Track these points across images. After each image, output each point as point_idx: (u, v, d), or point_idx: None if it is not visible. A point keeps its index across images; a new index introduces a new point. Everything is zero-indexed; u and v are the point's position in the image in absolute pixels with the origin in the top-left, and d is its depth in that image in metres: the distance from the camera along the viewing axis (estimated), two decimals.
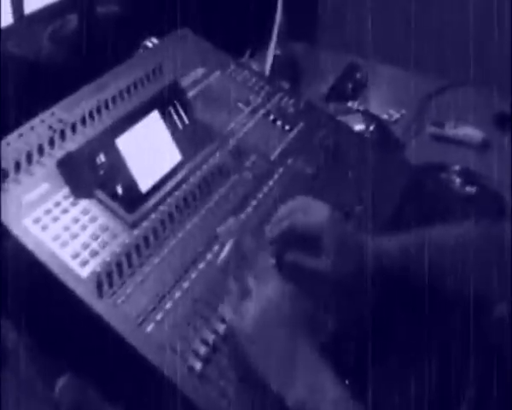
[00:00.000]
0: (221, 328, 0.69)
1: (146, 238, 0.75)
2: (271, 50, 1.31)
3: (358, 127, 1.14)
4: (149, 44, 1.08)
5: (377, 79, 1.35)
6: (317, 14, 1.59)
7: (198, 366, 0.65)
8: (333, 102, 1.26)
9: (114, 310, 0.67)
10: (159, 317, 0.68)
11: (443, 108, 1.26)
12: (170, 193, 0.81)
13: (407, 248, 0.76)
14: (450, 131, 1.19)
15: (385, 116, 1.23)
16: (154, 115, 0.89)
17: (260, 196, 0.87)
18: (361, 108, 1.24)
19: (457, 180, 1.03)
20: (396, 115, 1.24)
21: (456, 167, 1.06)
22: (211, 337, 0.68)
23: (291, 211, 0.80)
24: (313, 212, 0.79)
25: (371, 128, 1.13)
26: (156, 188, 0.82)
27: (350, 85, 1.30)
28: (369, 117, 1.18)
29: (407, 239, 0.78)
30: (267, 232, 0.79)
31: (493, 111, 1.24)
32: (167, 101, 0.92)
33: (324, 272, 0.75)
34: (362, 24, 1.36)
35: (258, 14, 1.35)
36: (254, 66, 1.28)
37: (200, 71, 1.03)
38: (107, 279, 0.69)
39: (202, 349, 0.67)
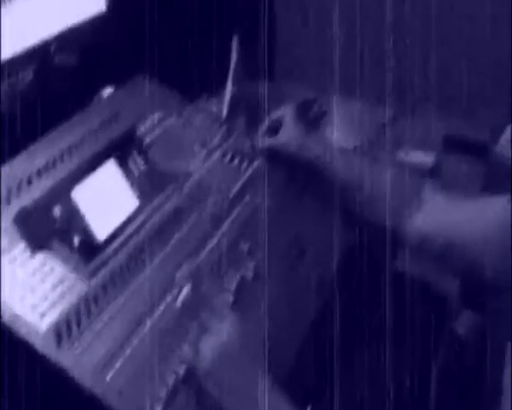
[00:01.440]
0: (181, 369, 0.70)
1: (104, 287, 0.76)
2: (228, 90, 1.34)
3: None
4: (105, 94, 1.10)
5: (335, 112, 1.39)
6: (274, 51, 1.64)
7: (158, 409, 0.66)
8: None
9: (74, 360, 0.68)
10: (118, 364, 0.69)
11: (396, 135, 1.30)
12: (127, 240, 0.83)
13: None
14: (403, 157, 1.23)
15: (340, 148, 1.26)
16: (110, 164, 0.91)
17: (219, 234, 0.89)
18: (319, 140, 1.27)
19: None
20: (350, 146, 1.28)
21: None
22: (171, 379, 0.69)
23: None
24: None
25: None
26: (113, 236, 0.83)
27: (307, 119, 1.33)
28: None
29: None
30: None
31: (442, 135, 1.28)
32: (123, 148, 0.94)
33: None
34: (317, 59, 1.41)
35: (214, 55, 1.39)
36: (212, 107, 1.31)
37: (156, 116, 1.05)
38: (66, 330, 0.70)
39: (163, 392, 0.67)
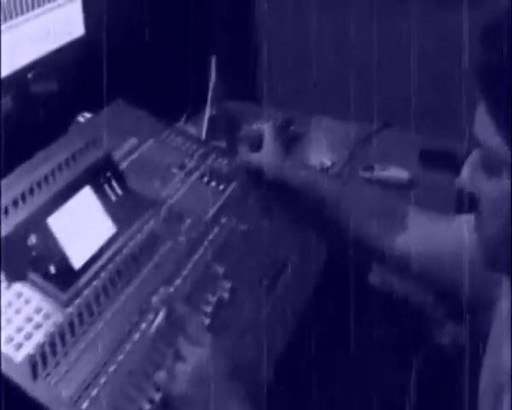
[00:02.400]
0: (156, 396, 0.70)
1: (80, 315, 0.76)
2: (207, 112, 1.36)
3: None
4: (82, 119, 1.11)
5: (312, 131, 1.40)
6: (252, 71, 1.66)
7: None
8: None
9: (49, 391, 0.68)
10: (94, 393, 0.69)
11: (372, 152, 1.32)
12: (103, 267, 0.83)
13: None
14: (379, 173, 1.25)
15: (318, 165, 1.28)
16: (87, 190, 0.92)
17: (195, 257, 0.90)
18: (296, 160, 1.28)
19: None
20: (328, 163, 1.29)
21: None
22: (146, 407, 0.69)
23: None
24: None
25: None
26: (90, 263, 0.84)
27: (285, 139, 1.35)
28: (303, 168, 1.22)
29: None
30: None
31: (418, 150, 1.31)
32: (100, 174, 0.94)
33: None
34: (294, 79, 1.43)
35: (192, 77, 1.40)
36: (191, 129, 1.32)
37: (133, 141, 1.06)
38: (41, 361, 0.70)
39: None
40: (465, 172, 0.64)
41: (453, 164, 1.32)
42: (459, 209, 1.13)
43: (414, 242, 0.87)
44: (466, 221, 0.81)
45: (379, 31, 1.52)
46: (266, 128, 1.03)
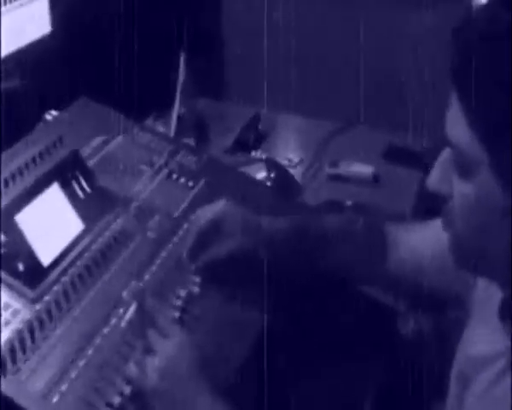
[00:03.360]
0: (127, 389, 0.71)
1: (48, 311, 0.76)
2: (176, 110, 1.36)
3: (260, 175, 1.20)
4: (49, 117, 1.10)
5: (279, 128, 1.42)
6: (220, 69, 1.67)
7: None
8: (237, 153, 1.33)
9: (19, 386, 0.68)
10: (64, 387, 0.70)
11: (338, 149, 1.35)
12: (72, 263, 0.84)
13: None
14: (344, 169, 1.27)
15: (285, 162, 1.30)
16: (54, 188, 0.92)
17: (164, 253, 0.90)
18: (263, 156, 1.31)
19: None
20: (295, 160, 1.32)
21: (349, 203, 1.13)
22: (116, 400, 0.70)
23: (193, 223, 0.90)
24: (211, 208, 0.90)
25: (272, 175, 1.20)
26: (58, 260, 0.84)
27: (253, 136, 1.37)
28: (270, 164, 1.24)
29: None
30: (184, 256, 0.88)
31: (383, 146, 1.34)
32: (67, 172, 0.94)
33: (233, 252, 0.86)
34: (263, 76, 1.44)
35: (161, 75, 1.41)
36: (160, 127, 1.33)
37: (101, 138, 1.06)
38: (10, 357, 0.70)
39: None
40: (435, 171, 0.64)
41: (417, 160, 1.37)
42: (420, 208, 1.16)
43: (404, 258, 0.87)
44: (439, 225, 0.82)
45: (347, 29, 1.54)
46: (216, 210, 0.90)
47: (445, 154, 0.62)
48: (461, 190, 0.60)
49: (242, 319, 0.84)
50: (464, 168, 0.59)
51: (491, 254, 0.61)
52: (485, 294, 0.71)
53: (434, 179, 0.63)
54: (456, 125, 0.58)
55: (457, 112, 0.58)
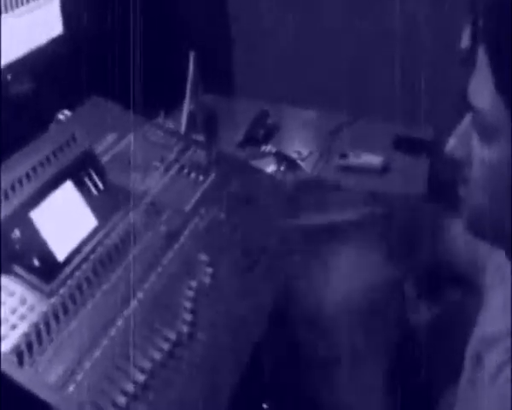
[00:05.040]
0: (141, 378, 0.72)
1: (63, 305, 0.78)
2: (186, 107, 1.38)
3: (271, 169, 1.22)
4: (62, 117, 1.12)
5: (288, 122, 1.44)
6: (230, 65, 1.68)
7: None
8: (247, 147, 1.34)
9: (36, 377, 0.71)
10: (79, 377, 0.72)
11: (347, 140, 1.35)
12: (86, 258, 0.86)
13: None
14: (354, 160, 1.28)
15: (295, 155, 1.31)
16: (68, 185, 0.94)
17: (176, 247, 0.92)
18: (273, 150, 1.32)
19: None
20: (305, 153, 1.33)
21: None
22: (131, 389, 0.71)
23: None
24: None
25: (282, 168, 1.21)
26: (73, 255, 0.86)
27: (262, 130, 1.38)
28: (280, 158, 1.26)
29: None
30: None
31: (391, 137, 1.34)
32: (81, 169, 0.96)
33: None
34: (272, 71, 1.46)
35: (171, 72, 1.42)
36: (170, 124, 1.35)
37: (113, 136, 1.08)
38: (27, 349, 0.72)
39: (122, 400, 0.70)
40: (454, 138, 0.63)
41: (425, 149, 1.37)
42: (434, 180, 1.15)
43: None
44: None
45: (354, 22, 1.55)
46: None
47: (468, 119, 0.62)
48: (482, 155, 0.60)
49: (252, 310, 0.86)
50: (487, 133, 0.59)
51: (508, 223, 0.60)
52: (498, 273, 0.71)
53: (453, 145, 0.63)
54: (482, 90, 0.58)
55: (484, 76, 0.58)
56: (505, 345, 0.63)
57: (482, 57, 0.59)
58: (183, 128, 1.36)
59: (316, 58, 1.55)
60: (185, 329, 0.79)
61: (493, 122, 0.58)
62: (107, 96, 1.18)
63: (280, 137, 1.40)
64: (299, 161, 1.31)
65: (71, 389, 0.70)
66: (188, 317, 0.80)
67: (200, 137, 1.37)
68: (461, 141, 0.63)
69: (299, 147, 1.36)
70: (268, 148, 1.34)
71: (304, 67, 1.50)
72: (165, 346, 0.77)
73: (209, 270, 0.88)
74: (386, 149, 1.33)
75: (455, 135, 0.64)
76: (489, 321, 0.70)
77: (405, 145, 1.34)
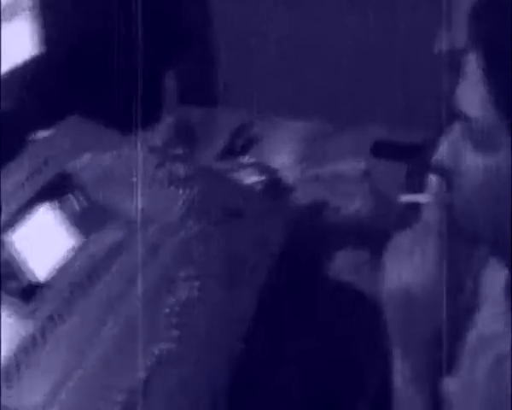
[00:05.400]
0: (121, 397, 0.73)
1: (42, 326, 0.78)
2: (165, 120, 1.38)
3: (251, 180, 1.22)
4: (39, 137, 1.12)
5: (269, 132, 1.44)
6: (210, 75, 1.69)
7: None
8: (227, 159, 1.35)
9: (13, 401, 0.70)
10: (62, 397, 0.72)
11: (328, 149, 1.37)
12: (65, 278, 0.86)
13: None
14: (334, 168, 1.29)
15: (275, 165, 1.32)
16: (45, 206, 0.94)
17: (158, 262, 0.92)
18: (254, 161, 1.33)
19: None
20: (285, 163, 1.34)
21: (338, 204, 1.15)
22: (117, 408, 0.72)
23: None
24: None
25: (261, 179, 1.22)
26: (52, 276, 0.86)
27: (242, 141, 1.39)
28: (261, 169, 1.27)
29: None
30: None
31: (372, 142, 1.36)
32: (58, 189, 0.97)
33: None
34: (252, 81, 1.47)
35: (148, 85, 1.42)
36: (148, 138, 1.34)
37: (89, 155, 1.08)
38: (4, 374, 0.72)
39: None
40: (442, 147, 0.62)
41: (406, 154, 1.38)
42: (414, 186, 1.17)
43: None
44: None
45: (335, 29, 1.56)
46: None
47: (458, 127, 0.61)
48: (477, 163, 0.58)
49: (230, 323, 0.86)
50: (481, 141, 0.58)
51: (501, 231, 0.60)
52: (493, 273, 0.70)
53: (442, 154, 0.62)
54: (473, 97, 0.57)
55: (474, 83, 0.57)
56: (498, 347, 0.63)
57: (471, 64, 0.57)
58: (161, 141, 1.36)
59: (298, 67, 1.57)
60: (168, 345, 0.80)
61: (487, 130, 0.57)
62: (85, 114, 1.18)
63: (260, 148, 1.41)
64: (279, 171, 1.32)
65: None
66: (171, 333, 0.81)
67: (179, 150, 1.38)
68: (450, 149, 0.61)
69: (280, 157, 1.37)
70: (247, 159, 1.35)
71: (286, 78, 1.51)
72: (149, 363, 0.77)
73: (190, 284, 0.88)
74: (367, 156, 1.35)
75: (444, 143, 0.62)
76: (486, 319, 0.69)
77: (386, 151, 1.35)
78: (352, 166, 1.29)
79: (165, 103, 1.41)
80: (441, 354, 0.66)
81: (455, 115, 0.60)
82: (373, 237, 1.08)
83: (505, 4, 0.55)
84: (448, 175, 0.62)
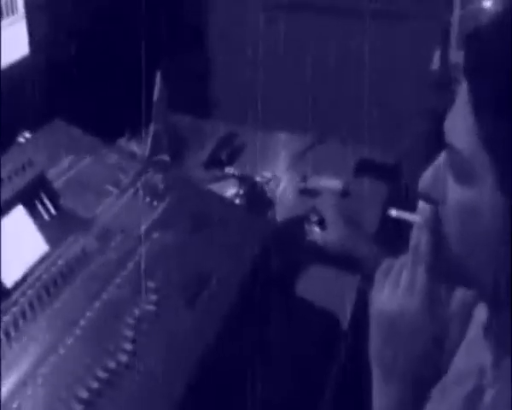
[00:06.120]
0: (78, 407, 0.74)
1: (6, 332, 0.80)
2: (151, 128, 1.39)
3: (231, 191, 1.23)
4: (22, 140, 1.14)
5: (255, 144, 1.45)
6: (198, 86, 1.70)
7: None
8: (211, 169, 1.36)
9: None
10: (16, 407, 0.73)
11: (311, 163, 1.37)
12: (32, 285, 0.87)
13: None
14: (314, 184, 1.30)
15: (258, 178, 1.33)
16: (19, 210, 0.95)
17: (124, 273, 0.93)
18: (237, 172, 1.33)
19: (315, 229, 1.14)
20: (268, 176, 1.34)
21: (315, 218, 1.16)
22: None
23: None
24: None
25: (242, 191, 1.23)
26: (20, 281, 0.87)
27: (226, 152, 1.39)
28: (243, 180, 1.27)
29: None
30: None
31: (354, 160, 1.36)
32: (33, 194, 0.98)
33: None
34: (240, 92, 1.48)
35: (135, 93, 1.44)
36: (134, 146, 1.36)
37: (69, 159, 1.10)
38: None
39: None
40: (428, 174, 0.61)
41: (387, 174, 1.39)
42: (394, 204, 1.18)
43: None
44: None
45: (321, 44, 1.57)
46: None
47: (445, 156, 0.60)
48: (457, 196, 0.58)
49: (193, 336, 0.87)
50: (463, 173, 0.57)
51: (480, 264, 0.59)
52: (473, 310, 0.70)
53: (427, 182, 0.62)
54: (460, 129, 0.57)
55: (463, 115, 0.56)
56: (469, 383, 0.63)
57: (461, 95, 0.57)
58: (147, 150, 1.37)
59: (284, 81, 1.58)
60: (124, 358, 0.81)
61: (470, 163, 0.56)
62: (71, 118, 1.19)
63: (245, 159, 1.41)
64: (262, 184, 1.33)
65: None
66: (128, 346, 0.82)
67: (166, 158, 1.39)
68: (436, 178, 0.61)
69: (264, 169, 1.38)
70: (231, 170, 1.36)
71: (271, 90, 1.52)
72: (104, 375, 0.78)
73: (154, 297, 0.90)
74: (349, 173, 1.35)
75: (430, 171, 0.62)
76: (462, 353, 0.70)
77: (367, 169, 1.36)
78: (332, 183, 1.30)
79: (154, 112, 1.43)
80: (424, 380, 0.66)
81: (442, 144, 0.59)
82: (341, 260, 1.09)
83: (495, 38, 0.55)
84: (433, 202, 0.62)
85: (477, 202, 0.57)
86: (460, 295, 0.72)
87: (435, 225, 0.62)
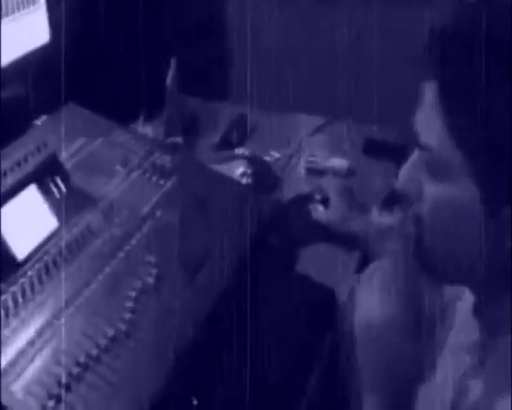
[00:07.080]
0: (75, 370, 0.79)
1: (15, 301, 0.86)
2: (166, 111, 1.44)
3: (240, 171, 1.27)
4: (38, 123, 1.20)
5: (264, 125, 1.48)
6: (209, 67, 1.73)
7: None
8: (222, 150, 1.40)
9: None
10: (19, 370, 0.79)
11: (320, 143, 1.39)
12: (40, 258, 0.93)
13: None
14: (320, 164, 1.32)
15: (267, 158, 1.36)
16: (32, 188, 1.01)
17: (128, 248, 0.98)
18: (247, 153, 1.37)
19: (319, 208, 1.17)
20: (276, 155, 1.37)
21: (319, 197, 1.18)
22: (66, 379, 0.78)
23: None
24: None
25: (250, 171, 1.26)
26: (31, 255, 0.93)
27: (237, 133, 1.43)
28: (251, 160, 1.31)
29: None
30: None
31: (362, 139, 1.38)
32: (45, 173, 1.04)
33: None
34: (251, 74, 1.50)
35: (153, 77, 1.48)
36: (149, 128, 1.41)
37: (81, 141, 1.15)
38: None
39: (58, 391, 0.77)
40: (403, 172, 0.62)
41: (395, 153, 1.39)
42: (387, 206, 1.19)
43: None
44: None
45: (329, 26, 1.58)
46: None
47: (418, 154, 0.61)
48: (432, 193, 0.59)
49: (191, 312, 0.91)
50: (437, 170, 0.58)
51: (461, 259, 0.60)
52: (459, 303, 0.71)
53: (403, 179, 0.62)
54: (430, 127, 0.57)
55: (432, 113, 0.57)
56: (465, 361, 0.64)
57: (430, 94, 0.58)
58: (163, 133, 1.42)
59: (292, 62, 1.60)
60: (123, 327, 0.86)
61: (443, 160, 0.56)
62: (89, 103, 1.25)
63: (255, 140, 1.44)
64: (271, 163, 1.36)
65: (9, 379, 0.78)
66: (127, 316, 0.87)
67: (180, 140, 1.43)
68: (411, 175, 0.61)
69: (273, 149, 1.40)
70: (241, 150, 1.39)
71: (281, 71, 1.54)
72: (103, 342, 0.83)
73: (154, 271, 0.94)
74: (357, 153, 1.37)
75: (405, 169, 0.62)
76: (459, 329, 0.71)
77: (375, 149, 1.37)
78: (338, 163, 1.32)
79: (168, 96, 1.47)
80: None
81: (416, 143, 0.59)
82: (342, 238, 1.12)
83: (461, 38, 0.55)
84: (409, 200, 0.62)
85: (453, 198, 0.57)
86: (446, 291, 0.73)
87: (408, 230, 0.63)
